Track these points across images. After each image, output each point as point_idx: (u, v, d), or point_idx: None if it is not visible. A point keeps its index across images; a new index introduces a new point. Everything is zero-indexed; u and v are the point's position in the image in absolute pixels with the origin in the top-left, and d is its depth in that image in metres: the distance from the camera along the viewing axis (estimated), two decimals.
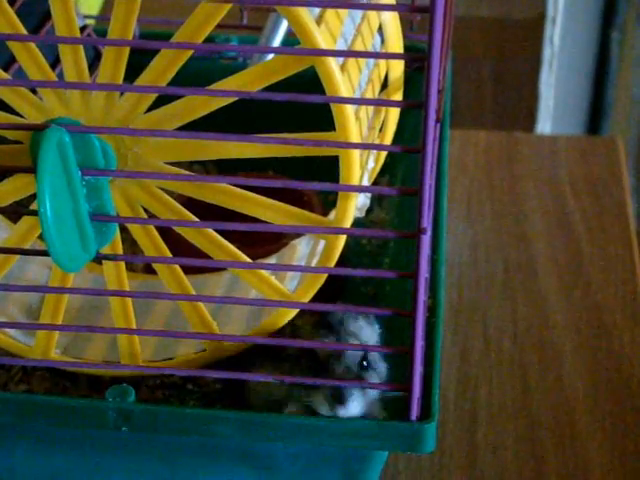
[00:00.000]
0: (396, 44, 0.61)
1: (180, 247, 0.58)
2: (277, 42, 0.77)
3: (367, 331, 0.58)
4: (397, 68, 0.61)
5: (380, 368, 0.57)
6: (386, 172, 0.76)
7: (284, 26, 0.77)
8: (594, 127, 1.58)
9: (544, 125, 1.38)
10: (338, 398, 0.55)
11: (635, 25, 1.51)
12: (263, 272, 0.56)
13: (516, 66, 1.32)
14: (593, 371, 0.77)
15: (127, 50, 0.52)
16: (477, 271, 0.85)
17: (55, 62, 0.56)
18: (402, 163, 0.78)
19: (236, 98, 0.51)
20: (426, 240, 0.51)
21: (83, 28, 0.73)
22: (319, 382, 0.55)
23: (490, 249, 0.88)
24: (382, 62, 0.60)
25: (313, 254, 0.60)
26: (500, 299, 0.83)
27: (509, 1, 1.31)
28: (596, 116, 1.57)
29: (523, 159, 0.98)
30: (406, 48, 0.64)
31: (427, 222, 0.50)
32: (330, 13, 0.52)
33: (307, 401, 0.56)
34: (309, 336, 0.57)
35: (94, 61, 0.71)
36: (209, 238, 0.56)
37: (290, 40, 0.76)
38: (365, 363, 0.56)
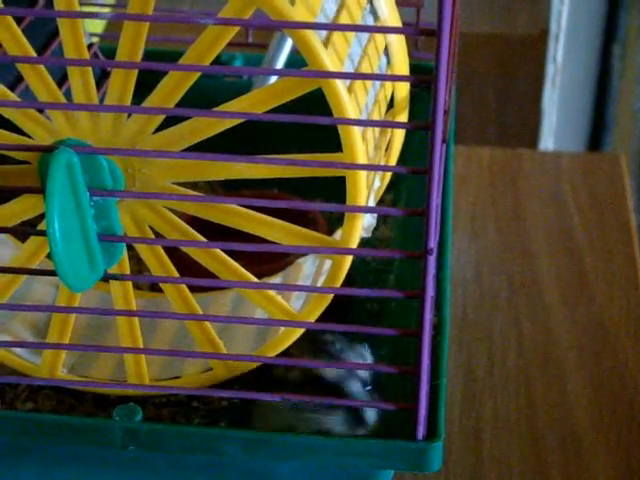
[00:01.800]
0: (402, 65, 0.61)
1: (185, 265, 0.58)
2: (282, 60, 0.77)
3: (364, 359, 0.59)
4: (403, 88, 0.61)
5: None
6: (391, 189, 0.76)
7: (289, 44, 0.77)
8: (596, 142, 1.58)
9: (547, 141, 1.38)
10: (357, 420, 0.56)
11: (636, 39, 1.52)
12: (269, 291, 0.56)
13: (519, 83, 1.31)
14: (597, 387, 0.77)
15: (135, 72, 0.52)
16: (481, 287, 0.85)
17: (62, 80, 0.56)
18: (406, 181, 0.78)
19: (243, 119, 0.51)
20: (432, 260, 0.51)
21: (89, 46, 0.74)
22: (326, 403, 0.55)
23: (494, 265, 0.88)
24: (388, 83, 0.60)
25: (319, 273, 0.60)
26: (504, 315, 0.83)
27: (512, 18, 1.31)
28: (598, 131, 1.57)
29: (526, 176, 0.98)
30: (412, 67, 0.64)
31: (433, 242, 0.50)
32: (337, 34, 0.52)
33: (323, 425, 0.56)
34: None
35: (101, 79, 0.71)
36: (215, 257, 0.56)
37: (295, 58, 0.76)
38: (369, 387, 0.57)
